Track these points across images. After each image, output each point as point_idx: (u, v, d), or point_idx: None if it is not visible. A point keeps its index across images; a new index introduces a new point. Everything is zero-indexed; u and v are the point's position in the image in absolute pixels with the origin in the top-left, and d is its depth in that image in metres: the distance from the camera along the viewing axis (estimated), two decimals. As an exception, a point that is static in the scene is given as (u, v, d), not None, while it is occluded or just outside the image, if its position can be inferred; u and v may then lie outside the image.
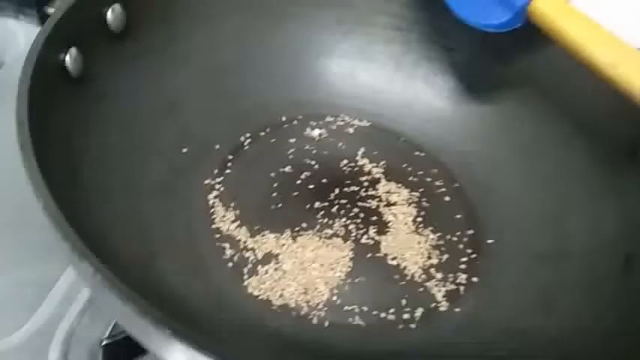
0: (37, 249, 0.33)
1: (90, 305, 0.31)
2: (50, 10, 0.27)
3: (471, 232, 0.33)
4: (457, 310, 0.30)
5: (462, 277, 0.31)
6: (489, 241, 0.33)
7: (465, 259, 0.32)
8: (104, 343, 0.28)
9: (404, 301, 0.30)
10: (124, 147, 0.31)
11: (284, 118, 0.38)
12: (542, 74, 0.36)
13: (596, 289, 0.28)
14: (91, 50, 0.29)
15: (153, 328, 0.18)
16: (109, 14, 0.30)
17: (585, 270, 0.29)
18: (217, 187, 0.33)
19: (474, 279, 0.31)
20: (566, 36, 0.29)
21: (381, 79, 0.40)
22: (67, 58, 0.27)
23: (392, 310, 0.29)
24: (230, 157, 0.35)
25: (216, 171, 0.34)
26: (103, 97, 0.30)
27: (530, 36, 0.32)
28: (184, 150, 0.34)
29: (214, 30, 0.37)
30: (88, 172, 0.27)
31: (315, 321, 0.28)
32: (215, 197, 0.33)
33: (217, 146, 0.35)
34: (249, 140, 0.36)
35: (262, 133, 0.37)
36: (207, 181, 0.34)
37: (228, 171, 0.34)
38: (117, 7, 0.31)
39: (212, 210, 0.32)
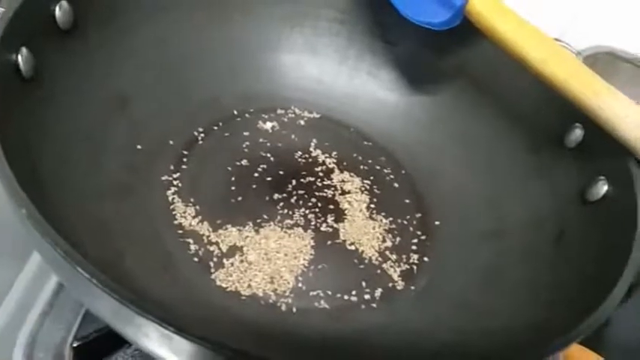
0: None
1: (51, 309, 0.31)
2: (-3, 9, 0.26)
3: (419, 215, 0.36)
4: (412, 287, 0.32)
5: (415, 257, 0.34)
6: (437, 223, 0.36)
7: (415, 241, 0.35)
8: (75, 344, 0.28)
9: (364, 283, 0.32)
10: (79, 146, 0.30)
11: (235, 112, 0.39)
12: (476, 68, 0.39)
13: (533, 265, 0.31)
14: (41, 49, 0.28)
15: (133, 314, 0.19)
16: (57, 11, 0.30)
17: (522, 247, 0.33)
18: (175, 182, 0.34)
19: (425, 258, 0.34)
20: (500, 34, 0.32)
21: (328, 71, 0.41)
22: (19, 58, 0.27)
23: (354, 292, 0.31)
24: (185, 152, 0.35)
25: (172, 167, 0.34)
26: (55, 96, 0.29)
27: (466, 33, 0.35)
28: (138, 147, 0.34)
29: (161, 25, 0.37)
30: (47, 174, 0.27)
31: (283, 308, 0.30)
32: (174, 193, 0.33)
33: (171, 142, 0.35)
34: (202, 135, 0.37)
35: (215, 128, 0.37)
36: (164, 178, 0.34)
37: (184, 166, 0.35)
38: (64, 3, 0.30)
39: (172, 206, 0.32)
